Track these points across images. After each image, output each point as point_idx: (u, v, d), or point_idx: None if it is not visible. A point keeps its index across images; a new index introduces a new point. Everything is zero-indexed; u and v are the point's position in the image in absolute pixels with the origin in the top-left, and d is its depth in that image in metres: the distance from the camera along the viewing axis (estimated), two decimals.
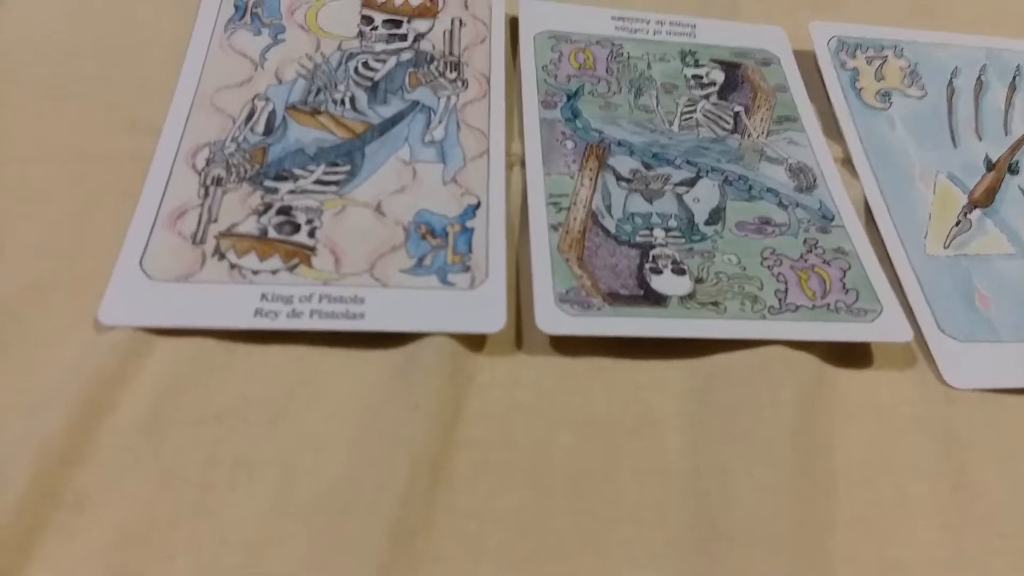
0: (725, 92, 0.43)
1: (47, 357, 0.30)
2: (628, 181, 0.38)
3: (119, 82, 0.39)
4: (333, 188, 0.35)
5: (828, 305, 0.34)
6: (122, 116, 0.37)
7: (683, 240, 0.36)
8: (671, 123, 0.41)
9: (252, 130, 0.37)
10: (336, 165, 0.36)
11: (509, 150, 0.39)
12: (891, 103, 0.45)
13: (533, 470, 0.30)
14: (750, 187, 0.39)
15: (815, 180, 0.40)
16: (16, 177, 0.35)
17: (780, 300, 0.34)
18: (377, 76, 0.40)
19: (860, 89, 0.45)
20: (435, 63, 0.41)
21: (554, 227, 0.35)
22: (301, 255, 0.33)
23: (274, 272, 0.32)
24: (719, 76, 0.44)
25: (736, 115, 0.42)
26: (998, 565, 0.30)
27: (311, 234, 0.34)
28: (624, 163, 0.39)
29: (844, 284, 0.35)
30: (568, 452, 0.30)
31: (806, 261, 0.36)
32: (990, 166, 0.43)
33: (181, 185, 0.34)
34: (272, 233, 0.33)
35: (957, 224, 0.40)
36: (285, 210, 0.34)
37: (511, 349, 0.33)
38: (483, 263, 0.33)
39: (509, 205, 0.36)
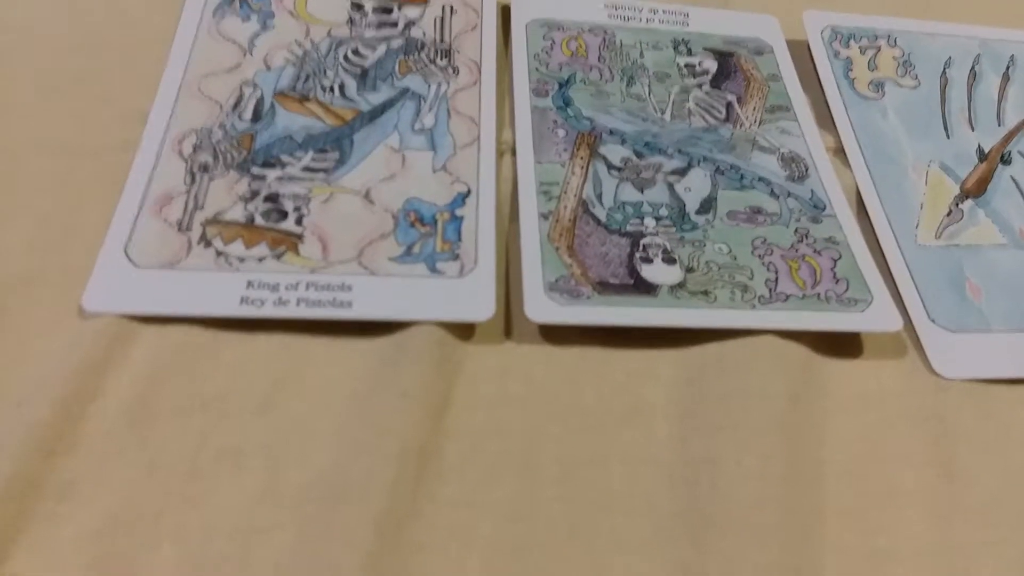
0: (718, 81, 0.43)
1: (33, 347, 0.30)
2: (619, 170, 0.38)
3: (109, 74, 0.38)
4: (321, 175, 0.35)
5: (818, 295, 0.34)
6: (112, 108, 0.37)
7: (674, 229, 0.36)
8: (663, 112, 0.41)
9: (240, 117, 0.36)
10: (324, 152, 0.36)
11: (500, 138, 0.38)
12: (884, 93, 0.45)
13: (522, 459, 0.30)
14: (742, 176, 0.39)
15: (807, 170, 0.40)
16: (5, 170, 0.34)
17: (770, 289, 0.34)
18: (367, 63, 0.40)
19: (853, 79, 0.45)
20: (426, 50, 0.41)
21: (544, 216, 0.35)
22: (288, 242, 0.33)
23: (261, 260, 0.32)
24: (712, 65, 0.44)
25: (728, 104, 0.42)
26: (987, 554, 0.30)
27: (298, 221, 0.33)
28: (615, 152, 0.39)
29: (835, 274, 0.35)
30: (557, 441, 0.30)
31: (797, 251, 0.36)
32: (983, 156, 0.43)
33: (167, 172, 0.34)
34: (259, 220, 0.33)
35: (949, 214, 0.40)
36: (272, 197, 0.34)
37: (500, 338, 0.33)
38: (472, 251, 0.33)
39: (499, 193, 0.36)
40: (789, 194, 0.38)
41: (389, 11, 0.42)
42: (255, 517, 0.27)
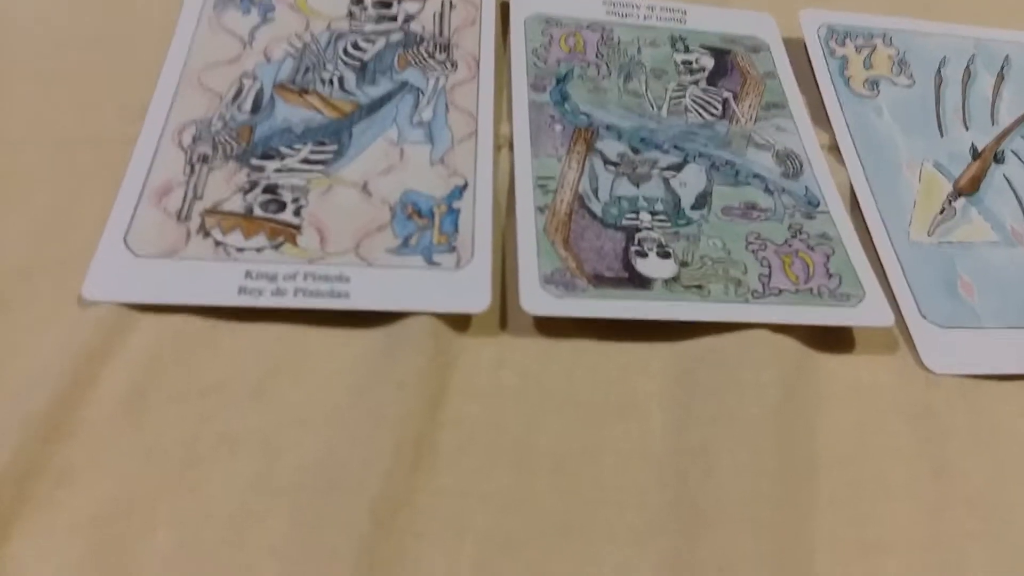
0: (714, 78, 0.43)
1: (33, 336, 0.30)
2: (615, 165, 0.38)
3: (109, 65, 0.39)
4: (320, 167, 0.35)
5: (811, 289, 0.35)
6: (113, 99, 0.37)
7: (669, 224, 0.36)
8: (660, 108, 0.41)
9: (239, 108, 0.37)
10: (323, 144, 0.36)
11: (497, 132, 0.39)
12: (879, 91, 0.45)
13: (516, 450, 0.30)
14: (737, 172, 0.39)
15: (801, 166, 0.40)
16: (6, 161, 0.35)
17: (764, 284, 0.34)
18: (366, 56, 0.40)
19: (848, 77, 0.45)
20: (425, 44, 0.41)
21: (541, 209, 0.35)
22: (286, 233, 0.33)
23: (259, 250, 0.32)
24: (709, 62, 0.44)
25: (725, 101, 0.42)
26: (976, 547, 0.30)
27: (297, 212, 0.33)
28: (612, 147, 0.39)
29: (827, 269, 0.35)
30: (551, 433, 0.30)
31: (790, 246, 0.36)
32: (976, 155, 0.43)
33: (167, 162, 0.34)
34: (258, 211, 0.33)
35: (941, 212, 0.40)
36: (271, 188, 0.34)
37: (495, 330, 0.33)
38: (469, 244, 0.34)
39: (496, 187, 0.36)
40: (783, 190, 0.39)
41: (389, 5, 0.43)
42: (251, 503, 0.27)
